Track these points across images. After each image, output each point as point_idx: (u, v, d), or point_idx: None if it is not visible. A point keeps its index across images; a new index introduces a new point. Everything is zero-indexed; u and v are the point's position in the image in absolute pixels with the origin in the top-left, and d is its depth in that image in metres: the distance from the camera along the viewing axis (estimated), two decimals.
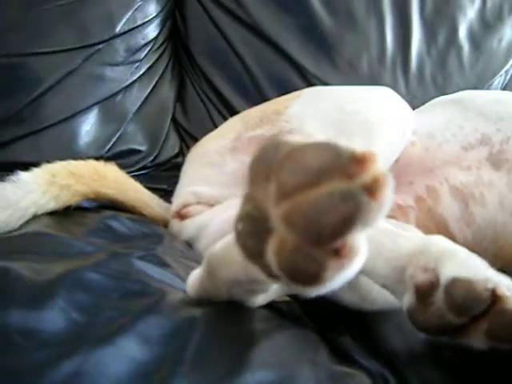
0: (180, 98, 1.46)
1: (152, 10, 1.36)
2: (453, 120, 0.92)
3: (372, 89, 0.92)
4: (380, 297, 0.60)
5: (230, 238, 0.47)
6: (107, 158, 0.98)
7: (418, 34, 1.50)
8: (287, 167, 0.33)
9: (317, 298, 0.58)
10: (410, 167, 0.86)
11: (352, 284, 0.59)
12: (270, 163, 0.35)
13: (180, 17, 1.47)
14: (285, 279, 0.35)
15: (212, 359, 0.41)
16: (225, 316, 0.49)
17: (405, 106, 0.90)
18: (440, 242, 0.52)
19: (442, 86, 1.49)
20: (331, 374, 0.45)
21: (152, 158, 1.35)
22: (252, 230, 0.37)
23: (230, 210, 0.81)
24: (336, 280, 0.34)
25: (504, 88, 1.62)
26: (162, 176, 1.31)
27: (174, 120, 1.44)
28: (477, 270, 0.46)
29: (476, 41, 1.55)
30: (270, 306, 0.56)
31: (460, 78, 1.52)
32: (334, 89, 0.94)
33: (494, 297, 0.43)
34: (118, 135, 1.29)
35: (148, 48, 1.36)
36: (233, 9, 1.43)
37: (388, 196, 0.31)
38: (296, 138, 0.35)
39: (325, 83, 1.40)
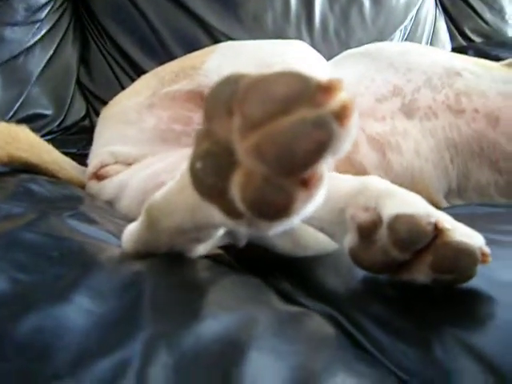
0: (84, 59, 1.41)
1: None
2: (364, 73, 0.94)
3: (287, 42, 0.92)
4: (312, 241, 0.61)
5: (170, 186, 0.46)
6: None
7: None
8: (252, 98, 0.32)
9: (249, 248, 0.59)
10: None
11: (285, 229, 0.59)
12: (230, 96, 0.34)
13: None
14: (249, 215, 0.34)
15: (170, 308, 0.40)
16: (169, 267, 0.48)
17: (321, 58, 0.91)
18: (377, 181, 0.53)
19: (345, 41, 1.52)
20: (288, 314, 0.45)
21: (58, 121, 1.31)
22: (213, 167, 0.36)
23: (150, 167, 0.80)
24: (302, 212, 0.34)
25: None
26: (70, 140, 1.27)
27: (78, 82, 1.39)
28: (417, 206, 0.47)
29: None
30: (206, 256, 0.55)
31: (362, 33, 1.56)
32: (250, 43, 0.93)
33: (437, 230, 0.44)
34: (21, 99, 1.23)
35: (48, 7, 1.30)
36: None
37: (355, 123, 0.32)
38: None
39: (231, 39, 1.38)
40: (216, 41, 1.37)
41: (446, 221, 0.45)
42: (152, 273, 0.46)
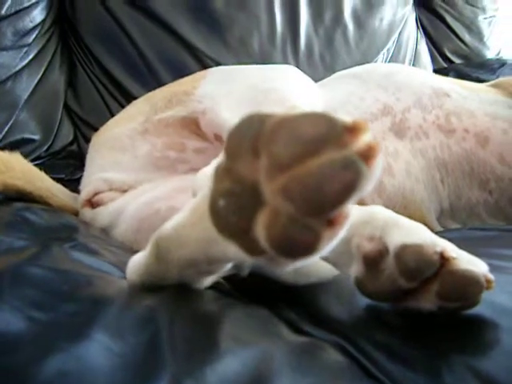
0: (71, 83, 1.40)
1: None
2: (354, 93, 0.95)
3: (277, 67, 0.93)
4: (314, 269, 0.61)
5: (182, 217, 0.45)
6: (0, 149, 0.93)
7: (305, 14, 1.53)
8: (279, 139, 0.33)
9: (250, 277, 0.59)
10: None
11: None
12: (256, 136, 0.34)
13: None
14: (273, 253, 0.34)
15: (188, 344, 0.40)
16: (180, 300, 0.48)
17: (310, 81, 0.92)
18: (382, 211, 0.53)
19: (330, 64, 1.54)
20: (301, 346, 0.45)
21: (46, 146, 1.29)
22: (236, 206, 0.36)
23: (145, 194, 0.80)
24: (326, 249, 0.35)
25: None
26: (58, 165, 1.26)
27: (66, 107, 1.38)
28: (423, 235, 0.47)
29: (360, 20, 1.61)
30: (211, 287, 0.55)
31: (347, 56, 1.57)
32: (241, 68, 0.94)
33: (443, 259, 0.45)
34: (9, 124, 1.22)
35: (36, 31, 1.29)
36: None
37: (380, 163, 0.32)
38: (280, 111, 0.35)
39: (218, 63, 1.39)
40: (203, 65, 1.38)
41: (452, 249, 0.46)
42: (165, 307, 0.46)
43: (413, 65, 1.78)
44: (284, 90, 0.82)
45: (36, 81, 1.29)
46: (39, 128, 1.29)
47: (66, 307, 0.43)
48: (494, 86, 1.03)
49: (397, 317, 0.49)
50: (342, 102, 0.93)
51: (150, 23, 1.39)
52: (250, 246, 0.36)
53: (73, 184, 0.96)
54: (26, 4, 1.26)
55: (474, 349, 0.44)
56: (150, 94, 0.95)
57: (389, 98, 0.93)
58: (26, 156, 1.18)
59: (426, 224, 0.85)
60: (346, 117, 0.33)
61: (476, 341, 0.45)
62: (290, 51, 1.50)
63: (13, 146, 1.19)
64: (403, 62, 1.74)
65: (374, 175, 0.32)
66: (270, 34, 1.48)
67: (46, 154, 1.29)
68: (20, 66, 1.25)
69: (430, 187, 0.89)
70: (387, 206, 0.84)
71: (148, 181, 0.83)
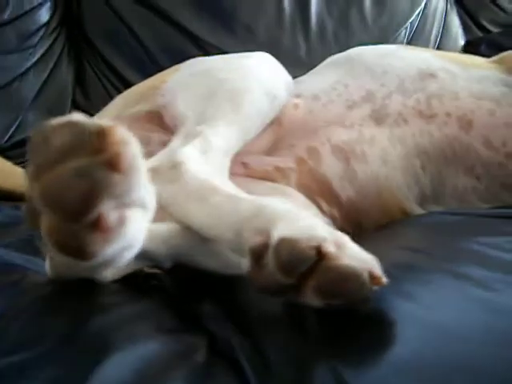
0: (79, 81, 1.44)
1: None
2: (340, 79, 0.92)
3: (247, 56, 0.91)
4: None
5: None
6: (7, 148, 0.97)
7: None
8: (39, 149, 0.34)
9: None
10: (292, 130, 0.86)
11: (210, 250, 0.59)
12: (30, 146, 0.35)
13: None
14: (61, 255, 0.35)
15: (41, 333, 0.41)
16: (73, 292, 0.51)
17: (278, 70, 0.89)
18: (274, 203, 0.52)
19: (344, 43, 1.47)
20: (177, 341, 0.46)
21: None
22: (30, 213, 0.38)
23: None
24: (110, 251, 0.35)
25: (410, 40, 1.62)
26: None
27: (74, 104, 1.42)
28: (305, 228, 0.46)
29: None
30: (125, 279, 0.57)
31: (363, 34, 1.51)
32: (210, 59, 0.93)
33: (320, 254, 0.43)
34: (16, 124, 1.27)
35: (41, 33, 1.34)
36: None
37: (133, 166, 0.32)
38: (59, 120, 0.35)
39: (222, 51, 1.37)
40: (207, 53, 1.37)
41: (334, 243, 0.44)
42: (45, 297, 0.49)
43: (441, 38, 1.68)
44: (238, 79, 0.81)
45: (42, 80, 1.34)
46: None
47: None
48: (495, 61, 0.98)
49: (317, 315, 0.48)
50: (325, 89, 0.90)
51: (154, 17, 1.41)
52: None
53: None
54: (28, 7, 1.31)
55: (357, 356, 0.41)
56: (130, 89, 0.96)
57: (373, 83, 0.90)
58: None
59: (403, 211, 0.83)
60: (96, 122, 0.33)
61: (366, 346, 0.42)
62: (300, 32, 1.45)
63: (21, 145, 1.24)
64: (429, 37, 1.64)
65: (128, 179, 0.32)
66: (278, 17, 1.45)
67: None
68: (25, 67, 1.31)
69: (408, 175, 0.85)
70: (360, 194, 0.83)
71: None
